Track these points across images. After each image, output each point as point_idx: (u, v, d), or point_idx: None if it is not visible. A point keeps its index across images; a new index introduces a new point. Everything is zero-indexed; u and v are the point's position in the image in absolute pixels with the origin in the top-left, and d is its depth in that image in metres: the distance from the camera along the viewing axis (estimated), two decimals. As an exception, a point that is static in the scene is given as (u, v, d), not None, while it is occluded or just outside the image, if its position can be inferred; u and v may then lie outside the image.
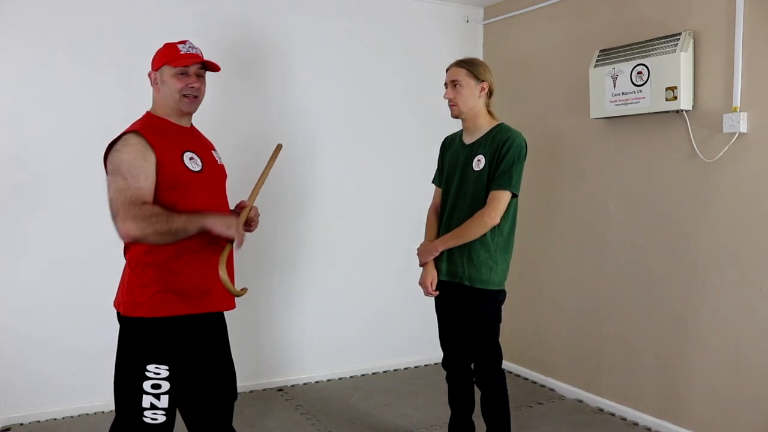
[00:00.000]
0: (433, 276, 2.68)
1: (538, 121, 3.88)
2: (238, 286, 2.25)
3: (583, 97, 3.49)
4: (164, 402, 2.03)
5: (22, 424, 3.30)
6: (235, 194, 2.36)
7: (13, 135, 3.24)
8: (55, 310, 3.33)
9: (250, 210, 2.22)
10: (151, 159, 1.98)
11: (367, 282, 4.11)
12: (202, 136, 2.28)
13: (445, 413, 3.00)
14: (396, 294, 4.11)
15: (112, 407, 2.10)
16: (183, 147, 2.08)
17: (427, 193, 2.96)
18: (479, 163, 2.60)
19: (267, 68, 3.79)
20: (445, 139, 2.91)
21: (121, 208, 1.92)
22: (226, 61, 3.60)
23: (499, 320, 2.68)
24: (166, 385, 2.03)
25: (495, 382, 2.66)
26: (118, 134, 2.03)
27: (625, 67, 3.19)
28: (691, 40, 2.99)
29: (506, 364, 3.10)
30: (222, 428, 2.22)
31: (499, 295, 2.66)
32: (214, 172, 2.18)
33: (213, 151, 2.24)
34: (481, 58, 4.26)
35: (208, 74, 2.21)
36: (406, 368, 4.25)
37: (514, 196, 2.58)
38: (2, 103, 3.22)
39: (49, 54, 3.28)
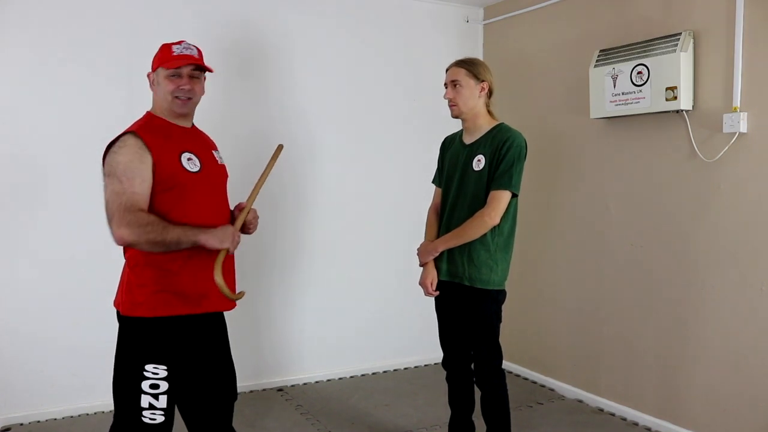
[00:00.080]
0: (433, 276, 2.68)
1: (538, 121, 3.88)
2: (238, 287, 2.25)
3: (583, 97, 3.49)
4: (163, 402, 2.03)
5: (22, 424, 3.30)
6: (234, 194, 2.36)
7: (13, 135, 3.24)
8: (55, 310, 3.34)
9: (248, 213, 2.22)
10: (147, 161, 1.98)
11: (367, 282, 4.11)
12: (204, 136, 2.28)
13: (445, 413, 3.00)
14: (396, 294, 4.11)
15: (112, 407, 2.10)
16: (181, 147, 2.08)
17: (427, 193, 2.96)
18: (479, 163, 2.60)
19: (267, 68, 3.79)
20: (445, 139, 2.91)
21: (116, 213, 1.94)
22: (226, 61, 3.62)
23: (499, 320, 2.68)
24: (164, 385, 2.03)
25: (495, 382, 2.66)
26: (117, 135, 2.04)
27: (625, 67, 3.19)
28: (691, 40, 2.99)
29: (506, 364, 3.11)
30: (222, 428, 2.22)
31: (500, 295, 2.66)
32: (214, 172, 2.18)
33: (214, 151, 2.24)
34: (481, 58, 4.26)
35: (209, 74, 2.21)
36: (406, 368, 4.25)
37: (514, 196, 2.58)
38: (2, 103, 3.22)
39: (49, 54, 3.28)
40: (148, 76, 2.15)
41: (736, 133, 2.84)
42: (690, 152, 3.05)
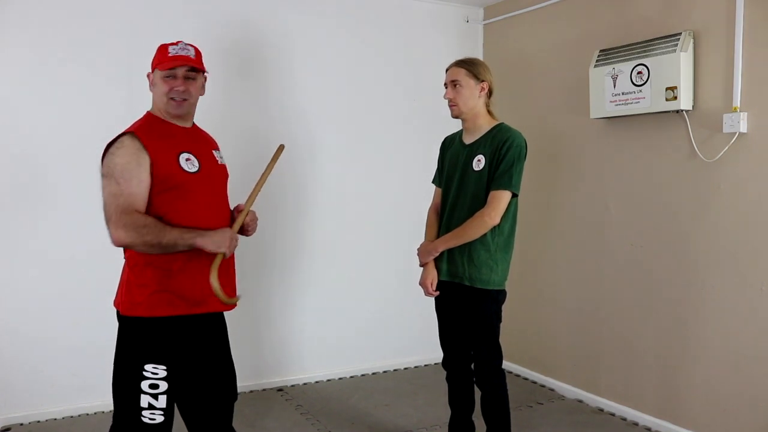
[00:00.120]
0: (433, 276, 2.68)
1: (538, 121, 3.88)
2: (239, 287, 2.26)
3: (583, 97, 3.49)
4: (162, 402, 2.03)
5: (22, 424, 3.30)
6: (234, 195, 2.35)
7: (13, 135, 3.24)
8: (55, 309, 3.34)
9: (246, 215, 2.21)
10: (144, 162, 1.98)
11: (367, 282, 4.11)
12: (205, 135, 2.27)
13: (445, 413, 3.00)
14: (396, 294, 4.11)
15: (112, 407, 2.10)
16: (180, 148, 2.08)
17: (427, 193, 2.96)
18: (479, 163, 2.60)
19: (267, 68, 3.79)
20: (445, 139, 2.91)
21: (113, 214, 1.95)
22: (226, 61, 3.62)
23: (499, 320, 2.68)
24: (163, 385, 2.03)
25: (495, 382, 2.66)
26: (115, 136, 2.04)
27: (625, 67, 3.19)
28: (691, 40, 2.99)
29: (506, 364, 3.10)
30: (222, 429, 2.22)
31: (500, 295, 2.66)
32: (214, 172, 2.18)
33: (214, 151, 2.24)
34: (481, 58, 4.26)
35: (208, 74, 2.21)
36: (406, 368, 4.25)
37: (515, 195, 2.58)
38: (2, 103, 3.22)
39: (49, 54, 3.28)
40: (148, 76, 2.15)
41: (736, 133, 2.84)
42: (690, 152, 3.05)
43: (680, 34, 2.99)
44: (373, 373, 4.14)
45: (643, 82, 3.11)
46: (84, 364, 3.37)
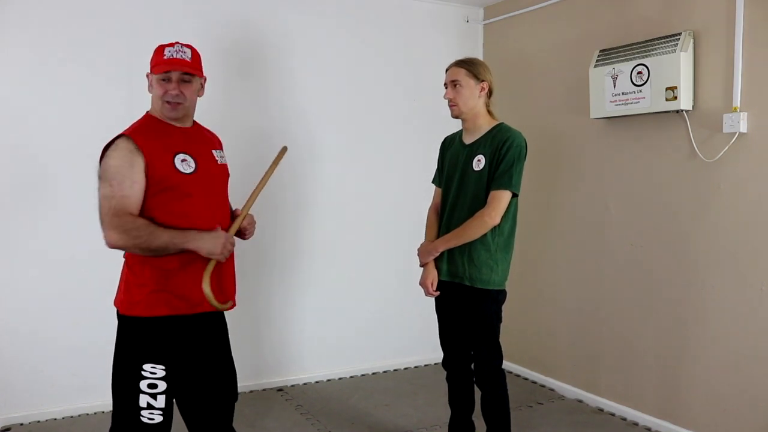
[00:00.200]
0: (433, 276, 2.68)
1: (538, 121, 3.88)
2: (239, 287, 2.26)
3: (583, 97, 3.49)
4: (161, 402, 2.03)
5: (22, 424, 3.30)
6: (233, 195, 2.36)
7: (13, 135, 3.24)
8: (55, 309, 3.34)
9: (243, 219, 2.20)
10: (138, 164, 1.98)
11: (367, 282, 4.11)
12: (206, 135, 2.26)
13: (445, 413, 3.00)
14: (396, 294, 4.11)
15: (112, 407, 2.10)
16: (176, 149, 2.07)
17: (427, 193, 2.96)
18: (479, 163, 2.60)
19: (267, 68, 3.79)
20: (445, 139, 2.91)
21: (106, 216, 1.96)
22: (226, 61, 3.62)
23: (500, 320, 2.68)
24: (162, 385, 2.03)
25: (495, 382, 2.66)
26: (112, 138, 2.04)
27: (625, 67, 3.19)
28: (691, 40, 2.99)
29: (506, 364, 3.10)
30: (222, 429, 2.22)
31: (500, 295, 2.66)
32: (212, 172, 2.16)
33: (214, 151, 2.22)
34: (481, 58, 4.26)
35: (208, 73, 2.20)
36: (406, 368, 4.25)
37: (515, 195, 2.58)
38: (2, 103, 3.22)
39: (49, 54, 3.28)
40: (147, 76, 2.15)
41: (736, 133, 2.84)
42: (690, 152, 3.05)
43: (680, 34, 2.99)
44: (373, 373, 4.14)
45: (643, 82, 3.11)
46: (84, 364, 3.37)
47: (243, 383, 2.56)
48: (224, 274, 2.14)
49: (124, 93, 3.35)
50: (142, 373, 2.02)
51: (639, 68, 3.12)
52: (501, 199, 2.54)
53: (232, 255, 2.18)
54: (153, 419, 2.03)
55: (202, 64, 2.19)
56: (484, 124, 2.67)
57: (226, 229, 2.12)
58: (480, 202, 2.58)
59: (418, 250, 2.75)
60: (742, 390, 2.88)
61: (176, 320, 2.05)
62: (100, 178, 2.00)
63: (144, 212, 2.01)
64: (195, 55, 2.14)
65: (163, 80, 2.07)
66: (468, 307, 2.65)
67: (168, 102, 2.08)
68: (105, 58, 3.38)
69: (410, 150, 4.16)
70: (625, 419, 3.39)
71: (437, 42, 4.23)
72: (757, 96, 2.79)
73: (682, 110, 3.02)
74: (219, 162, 2.22)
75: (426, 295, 2.73)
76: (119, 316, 2.09)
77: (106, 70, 3.38)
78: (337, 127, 3.99)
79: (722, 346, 2.95)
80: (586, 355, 3.66)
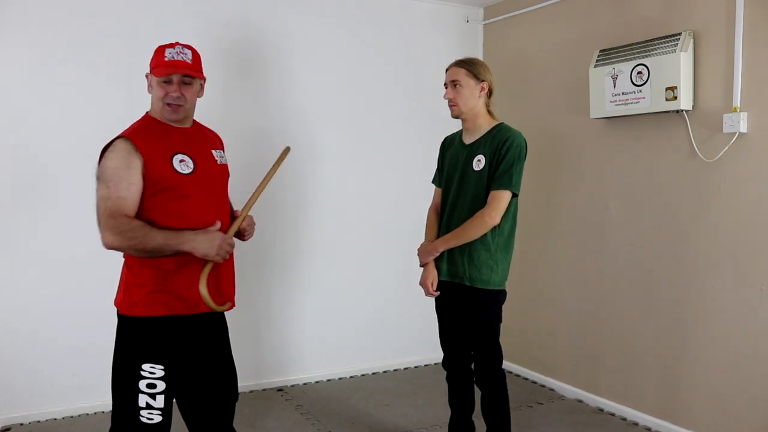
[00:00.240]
0: (433, 276, 2.68)
1: (538, 121, 3.88)
2: (239, 287, 2.25)
3: (583, 97, 3.49)
4: (160, 402, 2.04)
5: (22, 424, 3.30)
6: (232, 196, 2.36)
7: (13, 135, 3.24)
8: (55, 309, 3.34)
9: (242, 220, 2.20)
10: (135, 165, 1.98)
11: (367, 282, 4.11)
12: (206, 134, 2.25)
13: (445, 413, 3.00)
14: (396, 294, 4.11)
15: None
16: (174, 149, 2.07)
17: (427, 193, 2.96)
18: (479, 163, 2.60)
19: (267, 68, 3.79)
20: (445, 139, 2.91)
21: (102, 217, 1.96)
22: (226, 61, 3.62)
23: (500, 320, 2.68)
24: (161, 385, 2.03)
25: (495, 382, 2.66)
26: (110, 140, 2.03)
27: (625, 67, 3.19)
28: (691, 40, 2.99)
29: (506, 364, 3.10)
30: (223, 429, 2.22)
31: (500, 295, 2.66)
32: (211, 172, 2.16)
33: (214, 151, 2.21)
34: (481, 58, 4.26)
35: (208, 73, 2.20)
36: (406, 368, 4.25)
37: (515, 195, 2.58)
38: (2, 103, 3.22)
39: (49, 54, 3.28)
40: (147, 77, 2.14)
41: (736, 133, 2.84)
42: (690, 152, 3.05)
43: (680, 34, 2.99)
44: (373, 373, 4.14)
45: (643, 82, 3.11)
46: (84, 364, 3.37)
47: (243, 383, 2.56)
48: (223, 275, 2.14)
49: (124, 93, 3.35)
50: (141, 372, 2.02)
51: (639, 68, 3.12)
52: (501, 199, 2.54)
53: (231, 256, 2.18)
54: (152, 419, 2.03)
55: (202, 64, 2.19)
56: (484, 124, 2.67)
57: (225, 231, 2.11)
58: (480, 202, 2.58)
59: (418, 250, 2.75)
60: (742, 390, 2.88)
61: (175, 320, 2.05)
62: (98, 179, 2.00)
63: (143, 213, 2.01)
64: (195, 56, 2.13)
65: (165, 82, 2.07)
66: (468, 307, 2.65)
67: (168, 104, 2.08)
68: (105, 58, 3.38)
69: (410, 150, 4.16)
70: (625, 419, 3.39)
71: (437, 42, 4.23)
72: (757, 96, 2.79)
73: (682, 110, 3.02)
74: (219, 162, 2.21)
75: (426, 295, 2.73)
76: (119, 316, 2.09)
77: (106, 70, 3.38)
78: (337, 127, 3.99)
79: (722, 346, 2.95)
80: (586, 355, 3.66)
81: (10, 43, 3.22)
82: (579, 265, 3.69)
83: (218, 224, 2.06)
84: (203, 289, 1.99)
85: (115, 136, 2.05)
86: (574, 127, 3.68)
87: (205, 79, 2.19)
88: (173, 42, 2.12)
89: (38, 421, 3.33)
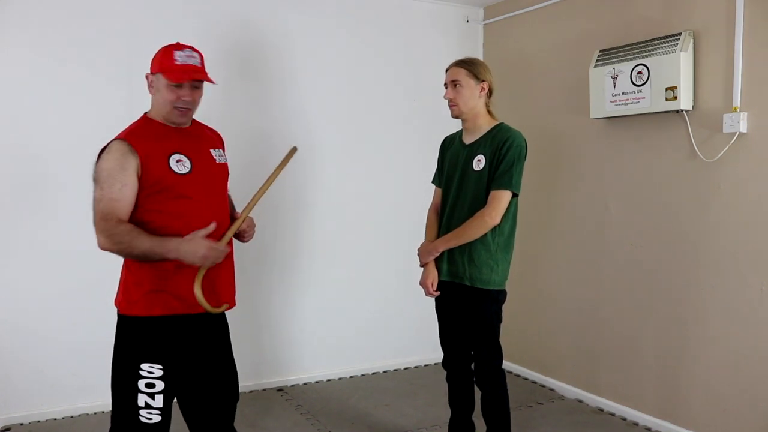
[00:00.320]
0: (433, 276, 2.68)
1: (538, 121, 3.88)
2: (238, 287, 2.25)
3: (583, 97, 3.49)
4: (159, 401, 2.04)
5: (22, 424, 3.30)
6: (233, 196, 2.36)
7: (13, 135, 3.24)
8: (55, 309, 3.34)
9: (241, 222, 2.18)
10: (130, 166, 1.97)
11: (367, 282, 4.11)
12: (205, 134, 2.24)
13: (445, 413, 3.00)
14: (396, 294, 4.11)
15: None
16: (171, 149, 2.06)
17: (427, 193, 2.96)
18: (479, 163, 2.60)
19: (267, 68, 3.79)
20: (445, 139, 2.91)
21: (95, 219, 1.97)
22: (226, 61, 3.62)
23: (500, 320, 2.68)
24: (160, 385, 2.03)
25: (495, 382, 2.66)
26: (108, 142, 2.03)
27: (625, 67, 3.19)
28: (691, 40, 2.99)
29: (506, 364, 3.10)
30: (223, 429, 2.22)
31: (500, 295, 2.66)
32: (209, 172, 2.15)
33: (213, 150, 2.21)
34: (481, 58, 4.26)
35: (208, 73, 2.20)
36: (406, 368, 4.25)
37: (515, 195, 2.58)
38: (2, 103, 3.22)
39: (49, 54, 3.28)
40: (147, 77, 2.11)
41: (736, 133, 2.84)
42: (690, 152, 3.05)
43: (680, 34, 2.99)
44: (373, 373, 4.14)
45: (643, 82, 3.11)
46: (84, 364, 3.37)
47: (243, 383, 2.56)
48: (221, 276, 2.13)
49: (124, 93, 3.35)
50: (140, 372, 2.02)
51: (639, 68, 3.12)
52: (501, 199, 2.54)
53: (231, 256, 2.18)
54: (151, 419, 2.03)
55: (204, 65, 2.18)
56: (484, 124, 2.67)
57: (222, 233, 2.09)
58: (480, 202, 2.58)
59: (418, 250, 2.75)
60: (742, 390, 2.88)
61: (174, 320, 2.05)
62: (94, 180, 2.00)
63: (141, 213, 2.01)
64: (202, 59, 2.12)
65: (176, 86, 2.04)
66: (468, 307, 2.65)
67: (177, 108, 2.07)
68: (105, 58, 3.38)
69: (410, 150, 4.16)
70: (625, 419, 3.39)
71: (437, 42, 4.23)
72: (757, 96, 2.79)
73: (682, 110, 3.02)
74: (217, 161, 2.20)
75: (426, 295, 2.73)
76: (118, 316, 2.09)
77: (106, 70, 3.38)
78: (337, 127, 3.99)
79: (722, 346, 2.95)
80: (586, 355, 3.66)
81: (10, 43, 3.22)
82: (579, 265, 3.69)
83: (213, 226, 2.00)
84: (198, 292, 1.98)
85: (113, 137, 2.05)
86: (574, 127, 3.68)
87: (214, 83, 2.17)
88: (179, 43, 2.10)
89: (38, 421, 3.33)
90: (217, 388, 2.19)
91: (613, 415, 3.45)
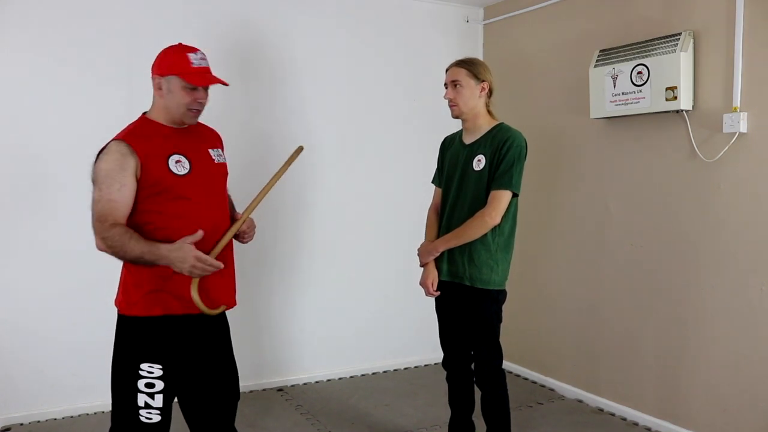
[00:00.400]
0: (434, 276, 2.68)
1: (538, 121, 3.88)
2: (238, 287, 2.25)
3: (583, 97, 3.49)
4: (158, 401, 2.04)
5: (22, 424, 3.30)
6: (233, 197, 2.36)
7: (13, 135, 3.24)
8: (55, 309, 3.34)
9: (242, 223, 2.18)
10: (129, 166, 1.97)
11: (367, 282, 4.11)
12: (204, 133, 2.24)
13: (445, 413, 3.00)
14: (396, 294, 4.11)
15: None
16: (171, 150, 2.06)
17: (427, 193, 2.96)
18: (479, 163, 2.60)
19: (267, 68, 3.79)
20: (445, 139, 2.91)
21: (92, 220, 1.97)
22: (226, 61, 3.62)
23: (500, 320, 2.68)
24: (159, 384, 2.04)
25: (495, 382, 2.66)
26: (106, 143, 2.03)
27: (625, 67, 3.19)
28: (691, 40, 2.99)
29: (506, 364, 3.10)
30: (224, 429, 2.22)
31: (500, 295, 2.66)
32: (208, 172, 2.15)
33: (212, 150, 2.20)
34: (481, 58, 4.26)
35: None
36: (406, 368, 4.25)
37: (515, 195, 2.58)
38: (2, 103, 3.22)
39: (49, 54, 3.28)
40: (154, 78, 2.09)
41: (736, 133, 2.84)
42: (690, 152, 3.05)
43: (680, 34, 2.99)
44: (373, 373, 4.14)
45: (643, 82, 3.11)
46: (84, 364, 3.37)
47: (243, 383, 2.56)
48: (219, 277, 2.10)
49: (124, 93, 3.35)
50: (140, 372, 2.02)
51: (639, 68, 3.12)
52: (501, 199, 2.54)
53: (231, 256, 2.18)
54: (151, 418, 2.03)
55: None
56: (484, 124, 2.67)
57: (216, 242, 2.07)
58: (480, 202, 2.58)
59: (418, 250, 2.75)
60: (742, 390, 2.88)
61: (173, 320, 2.05)
62: (93, 182, 2.00)
63: (140, 214, 2.01)
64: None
65: (192, 89, 2.05)
66: (468, 307, 2.65)
67: (192, 109, 2.08)
68: (105, 58, 3.38)
69: (410, 150, 4.16)
70: (625, 419, 3.39)
71: (437, 42, 4.23)
72: (757, 96, 2.79)
73: (682, 110, 3.02)
74: (216, 161, 2.20)
75: (426, 295, 2.73)
76: (118, 316, 2.09)
77: (106, 70, 3.38)
78: (337, 127, 3.99)
79: (722, 346, 2.95)
80: (586, 355, 3.66)
81: (10, 44, 3.22)
82: (579, 265, 3.69)
83: (200, 234, 1.96)
84: (194, 294, 1.98)
85: (111, 138, 2.04)
86: (574, 127, 3.68)
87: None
88: (187, 45, 2.10)
89: (38, 421, 3.33)
90: (218, 387, 2.19)
91: (613, 415, 3.45)
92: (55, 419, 3.36)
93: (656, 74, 3.04)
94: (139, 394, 2.02)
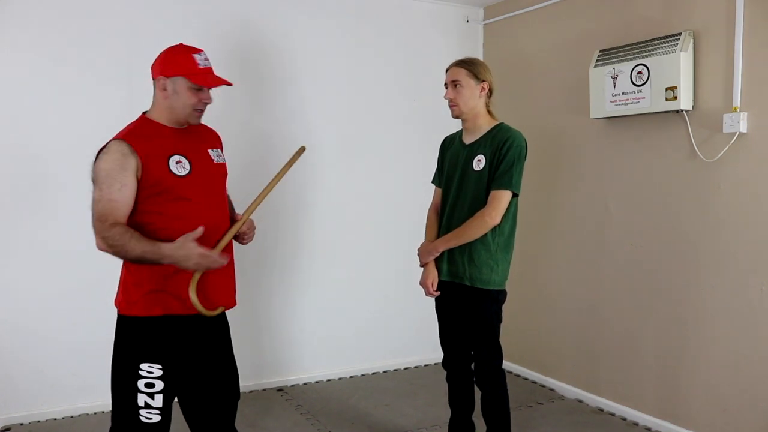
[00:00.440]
0: (434, 276, 2.68)
1: (538, 121, 3.88)
2: (239, 287, 2.25)
3: (583, 97, 3.49)
4: (158, 401, 2.04)
5: (22, 424, 3.30)
6: (232, 197, 2.36)
7: (13, 135, 3.24)
8: (55, 309, 3.34)
9: (242, 224, 2.18)
10: (130, 166, 1.96)
11: (367, 282, 4.11)
12: (203, 133, 2.24)
13: (445, 413, 3.00)
14: (396, 294, 4.11)
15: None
16: (171, 150, 2.05)
17: (427, 193, 2.96)
18: (479, 163, 2.60)
19: (267, 68, 3.79)
20: (445, 139, 2.91)
21: (92, 219, 1.97)
22: (227, 61, 3.61)
23: (500, 320, 2.68)
24: (159, 384, 2.04)
25: (495, 382, 2.66)
26: (106, 142, 2.03)
27: (625, 67, 3.19)
28: (691, 40, 2.99)
29: (506, 364, 3.10)
30: (224, 428, 2.22)
31: (500, 295, 2.66)
32: (208, 172, 2.15)
33: (211, 150, 2.20)
34: (481, 58, 4.26)
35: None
36: (406, 368, 4.25)
37: (515, 195, 2.58)
38: (2, 103, 3.22)
39: (49, 54, 3.27)
40: (157, 78, 2.08)
41: (736, 133, 2.84)
42: (690, 152, 3.05)
43: (680, 34, 2.99)
44: (373, 373, 4.14)
45: (643, 82, 3.11)
46: (84, 364, 3.37)
47: (243, 383, 2.56)
48: (219, 277, 2.11)
49: (124, 93, 3.35)
50: (140, 372, 2.02)
51: (639, 68, 3.12)
52: (501, 199, 2.54)
53: (231, 256, 2.18)
54: (151, 418, 2.03)
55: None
56: (485, 124, 2.67)
57: (218, 240, 2.08)
58: (480, 202, 2.58)
59: (418, 250, 2.75)
60: (742, 390, 2.88)
61: (173, 320, 2.05)
62: (93, 181, 2.00)
63: (141, 214, 2.01)
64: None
65: (197, 89, 2.06)
66: (468, 307, 2.65)
67: (197, 110, 2.08)
68: (105, 58, 3.38)
69: (410, 150, 4.16)
70: (625, 419, 3.39)
71: (437, 42, 4.23)
72: (757, 96, 2.79)
73: (682, 110, 3.02)
74: (216, 161, 2.20)
75: (426, 295, 2.73)
76: (118, 316, 2.09)
77: (106, 70, 3.38)
78: (337, 127, 3.99)
79: (722, 346, 2.95)
80: (586, 355, 3.66)
81: (10, 44, 3.22)
82: (579, 265, 3.69)
83: (200, 230, 1.95)
84: (193, 295, 1.98)
85: (111, 138, 2.04)
86: (574, 127, 3.68)
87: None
88: (190, 46, 2.10)
89: (38, 421, 3.33)
90: (218, 387, 2.19)
91: (613, 415, 3.45)
92: (55, 419, 3.36)
93: (656, 74, 3.04)
94: (139, 394, 2.02)
